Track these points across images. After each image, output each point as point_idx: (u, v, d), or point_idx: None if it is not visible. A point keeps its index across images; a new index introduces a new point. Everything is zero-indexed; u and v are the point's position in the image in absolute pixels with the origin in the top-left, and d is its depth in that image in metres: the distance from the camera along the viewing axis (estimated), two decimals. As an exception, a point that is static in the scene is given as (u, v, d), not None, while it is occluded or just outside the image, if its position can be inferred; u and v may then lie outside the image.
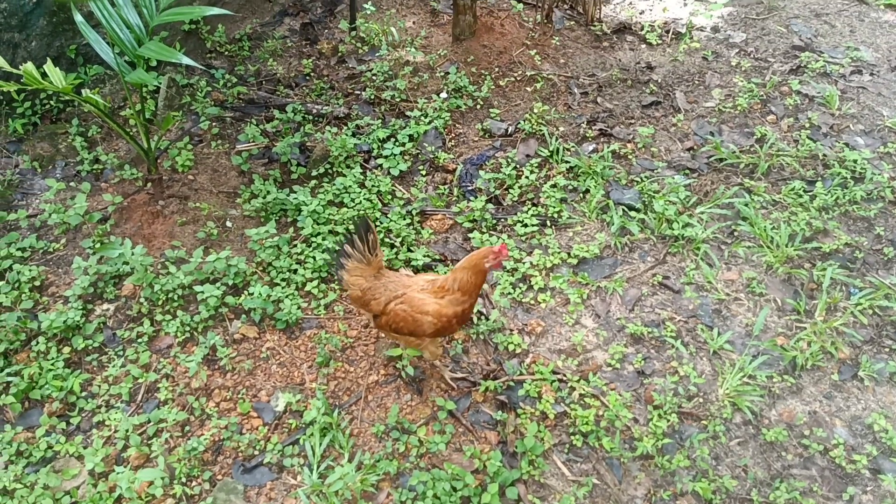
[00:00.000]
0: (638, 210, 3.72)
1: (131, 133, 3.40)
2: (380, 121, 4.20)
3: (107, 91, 4.09)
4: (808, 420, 2.88)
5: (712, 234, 3.60)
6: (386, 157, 3.99)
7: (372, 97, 4.38)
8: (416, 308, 2.60)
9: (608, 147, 4.07)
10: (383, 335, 3.02)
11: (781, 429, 2.82)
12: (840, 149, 4.02)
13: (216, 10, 3.05)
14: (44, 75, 2.97)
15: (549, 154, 4.03)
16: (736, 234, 3.63)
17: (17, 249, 3.31)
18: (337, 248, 2.78)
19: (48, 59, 3.00)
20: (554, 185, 3.84)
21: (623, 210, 3.72)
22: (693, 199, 3.77)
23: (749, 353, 3.09)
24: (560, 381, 2.97)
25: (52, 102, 3.97)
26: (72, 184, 3.66)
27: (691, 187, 3.86)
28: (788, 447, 2.80)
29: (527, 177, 3.89)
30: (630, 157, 4.05)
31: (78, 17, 3.19)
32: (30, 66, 2.92)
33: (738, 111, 4.34)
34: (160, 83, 4.10)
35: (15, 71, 2.90)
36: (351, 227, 2.71)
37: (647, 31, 4.99)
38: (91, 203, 3.54)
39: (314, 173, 3.86)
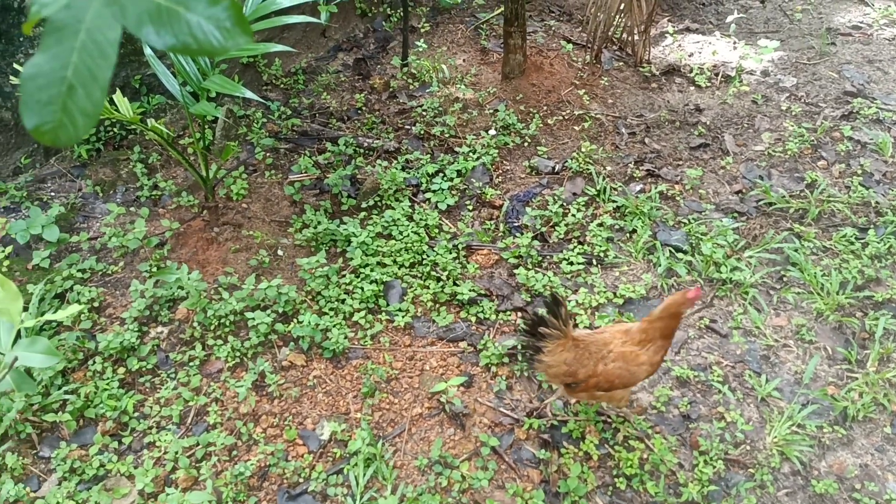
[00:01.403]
0: (685, 252, 3.71)
1: (190, 161, 3.51)
2: (429, 156, 4.28)
3: (167, 120, 4.24)
4: (860, 473, 2.82)
5: (761, 278, 3.57)
6: (434, 191, 4.05)
7: (422, 132, 4.46)
8: (632, 362, 2.60)
9: (655, 188, 4.08)
10: (573, 401, 2.98)
11: (831, 481, 2.76)
12: (893, 196, 3.97)
13: (278, 47, 3.16)
14: (112, 104, 3.11)
15: (595, 193, 4.05)
16: (785, 279, 3.59)
17: (78, 271, 3.43)
18: (523, 338, 2.75)
19: (116, 88, 3.13)
20: (600, 224, 3.86)
21: (670, 251, 3.71)
22: (741, 242, 3.75)
23: (798, 401, 3.04)
24: (604, 421, 2.96)
25: (115, 130, 4.12)
26: (131, 209, 3.79)
27: (740, 231, 3.84)
28: (839, 500, 2.74)
29: (573, 215, 3.91)
30: (678, 198, 4.05)
31: (147, 51, 3.33)
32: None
33: (787, 156, 4.32)
34: (220, 114, 4.24)
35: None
36: (534, 312, 2.67)
37: (696, 74, 5.01)
38: (149, 228, 3.66)
39: (364, 205, 3.93)
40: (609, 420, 2.96)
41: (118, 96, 3.17)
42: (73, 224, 3.72)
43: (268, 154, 4.21)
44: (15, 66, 3.34)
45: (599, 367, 2.63)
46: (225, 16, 0.76)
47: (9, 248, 3.41)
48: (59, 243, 3.53)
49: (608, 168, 4.27)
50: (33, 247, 3.50)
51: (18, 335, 1.51)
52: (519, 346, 3.16)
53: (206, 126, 4.14)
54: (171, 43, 0.76)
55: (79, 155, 3.98)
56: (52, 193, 3.81)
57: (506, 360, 3.20)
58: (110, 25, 0.75)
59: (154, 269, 3.42)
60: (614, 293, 3.50)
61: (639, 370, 2.62)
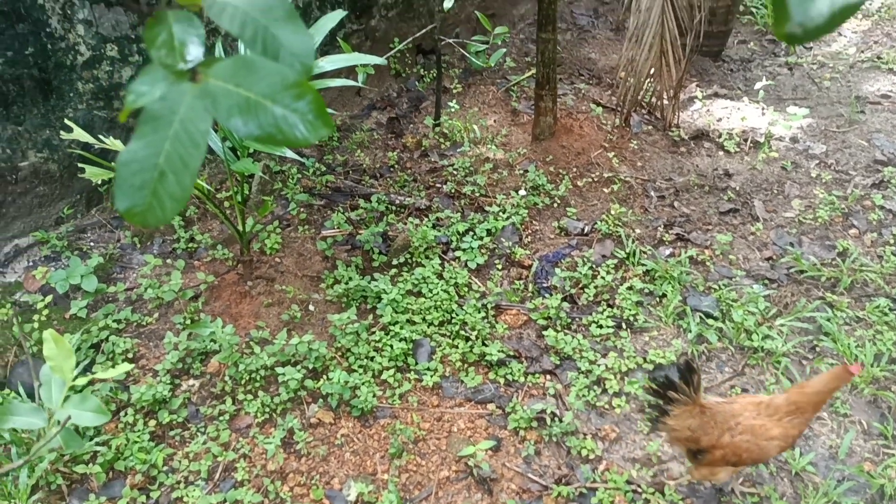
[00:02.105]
0: (716, 318, 3.69)
1: (227, 215, 3.59)
2: (459, 214, 4.33)
3: (206, 174, 4.35)
4: (899, 554, 2.74)
5: (793, 347, 3.53)
6: (464, 249, 4.09)
7: (453, 191, 4.52)
8: (761, 435, 2.56)
9: (685, 252, 4.08)
10: (693, 476, 2.89)
11: (870, 562, 2.69)
12: (927, 267, 3.95)
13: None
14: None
15: (625, 256, 4.07)
16: (818, 349, 3.55)
17: (114, 321, 3.48)
18: (650, 398, 2.73)
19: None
20: (630, 288, 3.86)
21: (700, 317, 3.70)
22: (773, 310, 3.73)
23: (833, 477, 2.98)
24: (634, 491, 2.91)
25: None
26: (168, 260, 3.86)
27: (771, 298, 3.82)
28: (878, 583, 2.65)
29: (602, 277, 3.92)
30: (708, 263, 4.05)
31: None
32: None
33: (818, 223, 4.31)
34: (258, 170, 4.34)
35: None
36: (665, 376, 2.67)
37: (725, 139, 5.06)
38: (184, 280, 3.71)
39: (395, 262, 3.97)
40: (639, 490, 2.91)
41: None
42: (111, 274, 3.79)
43: (302, 209, 4.29)
44: (66, 121, 3.46)
45: (725, 438, 2.57)
46: (308, 109, 0.81)
47: (48, 298, 3.48)
48: (97, 293, 3.59)
49: (637, 231, 4.29)
50: (71, 296, 3.56)
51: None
52: (645, 405, 3.12)
53: (244, 181, 4.25)
54: (256, 133, 0.80)
55: (118, 208, 4.08)
56: (92, 244, 3.90)
57: (534, 424, 3.18)
58: (202, 117, 0.80)
59: (188, 322, 3.46)
60: (644, 358, 3.48)
61: (769, 445, 2.55)
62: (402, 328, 3.53)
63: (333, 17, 3.40)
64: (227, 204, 4.14)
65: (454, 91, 5.49)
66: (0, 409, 1.55)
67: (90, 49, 3.63)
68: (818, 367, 3.45)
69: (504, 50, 4.96)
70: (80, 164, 3.17)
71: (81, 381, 1.55)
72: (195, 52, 0.83)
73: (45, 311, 3.44)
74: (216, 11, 0.84)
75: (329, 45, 4.66)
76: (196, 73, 0.82)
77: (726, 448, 2.58)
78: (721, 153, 5.00)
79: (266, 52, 0.84)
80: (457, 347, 3.51)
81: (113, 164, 3.16)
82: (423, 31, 5.10)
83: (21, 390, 3.10)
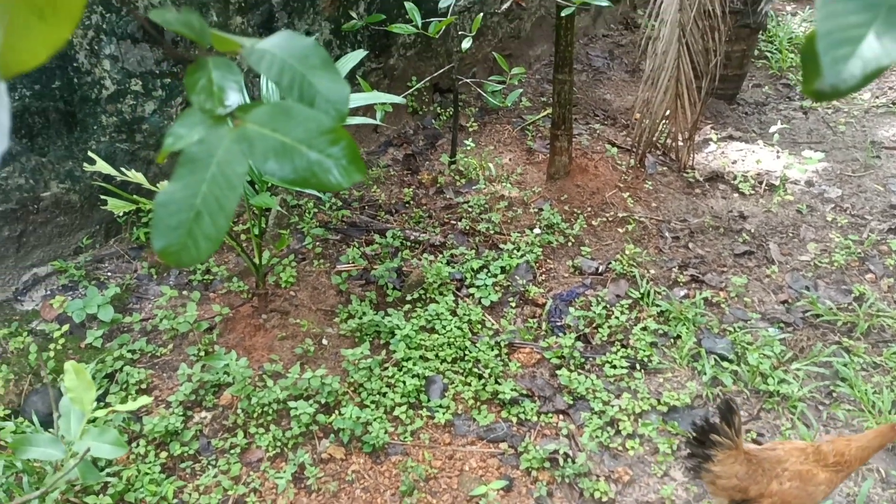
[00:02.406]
0: (731, 361, 3.66)
1: (243, 247, 3.62)
2: (474, 251, 4.35)
3: (223, 207, 4.39)
4: None
5: (809, 392, 3.50)
6: (478, 287, 4.09)
7: (467, 228, 4.55)
8: (809, 482, 2.52)
9: (700, 294, 4.07)
10: None
11: None
12: (945, 314, 3.91)
13: (339, 145, 3.29)
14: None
15: (639, 296, 4.06)
16: (835, 395, 3.52)
17: (128, 351, 3.50)
18: (691, 443, 2.65)
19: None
20: (644, 329, 3.85)
21: (715, 359, 3.67)
22: (788, 354, 3.70)
23: (852, 526, 2.93)
24: (648, 536, 2.87)
25: (173, 214, 4.27)
26: (184, 292, 3.88)
27: (786, 342, 3.79)
28: None
29: (617, 317, 3.91)
30: (723, 305, 4.04)
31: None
32: (165, 184, 3.20)
33: (834, 267, 4.30)
34: (276, 205, 4.39)
35: (152, 187, 3.18)
36: (704, 418, 2.61)
37: (740, 181, 5.07)
38: (199, 311, 3.74)
39: (409, 298, 3.98)
40: (653, 535, 2.87)
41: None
42: (127, 304, 3.82)
43: (317, 243, 4.32)
44: (89, 153, 3.52)
45: (774, 486, 2.52)
46: (342, 154, 0.83)
47: (65, 327, 3.51)
48: (113, 323, 3.62)
49: (652, 271, 4.29)
50: (87, 326, 3.59)
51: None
52: (686, 453, 3.07)
53: (261, 215, 4.29)
54: (290, 177, 0.83)
55: (137, 237, 4.13)
56: (109, 274, 3.94)
57: (547, 464, 3.15)
58: (239, 160, 0.82)
59: (202, 354, 3.47)
60: (658, 400, 3.45)
61: (816, 491, 2.50)
62: (415, 364, 3.52)
63: (355, 57, 3.47)
64: (243, 237, 4.17)
65: (470, 129, 5.55)
66: (19, 439, 1.57)
67: (115, 83, 3.71)
68: (835, 413, 3.41)
69: (521, 90, 5.02)
70: (101, 196, 3.22)
71: (100, 412, 1.56)
72: (233, 98, 0.85)
73: (62, 340, 3.47)
74: (255, 59, 0.87)
75: (349, 83, 4.74)
76: (234, 117, 0.85)
77: (775, 496, 2.52)
78: (736, 195, 5.01)
79: (302, 98, 0.86)
80: (469, 385, 3.50)
81: (134, 196, 3.21)
82: (442, 70, 5.18)
83: (35, 419, 3.11)
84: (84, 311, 3.56)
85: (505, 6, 5.59)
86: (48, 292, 3.76)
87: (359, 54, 3.52)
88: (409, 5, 4.15)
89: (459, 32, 5.06)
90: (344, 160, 0.83)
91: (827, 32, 0.60)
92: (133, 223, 4.20)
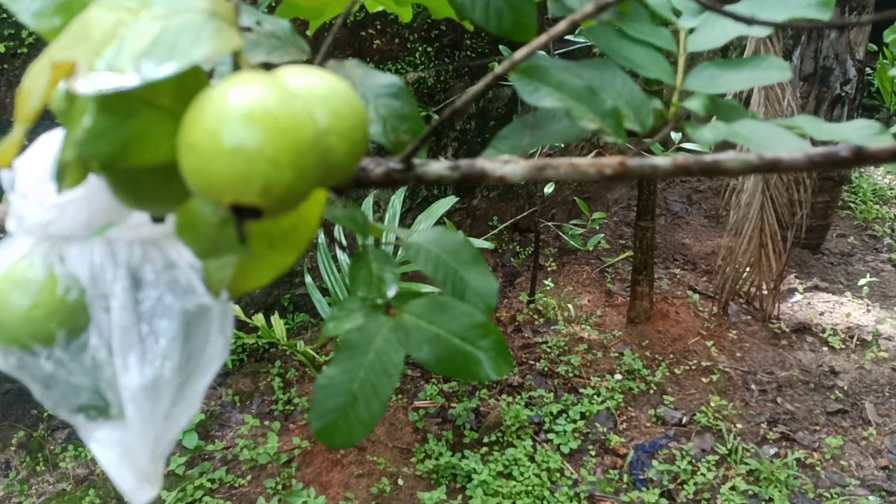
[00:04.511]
0: (829, 531, 3.43)
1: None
2: (552, 394, 4.29)
3: (308, 337, 4.51)
4: None
5: (920, 573, 3.22)
6: (557, 432, 4.01)
7: (545, 369, 4.51)
8: None
9: (791, 454, 3.87)
10: None
11: None
12: None
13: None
14: (269, 325, 3.39)
15: (726, 452, 3.89)
16: (950, 578, 3.22)
17: (208, 480, 3.53)
18: None
19: (274, 309, 3.42)
20: (733, 489, 3.66)
21: (812, 528, 3.44)
22: (894, 527, 3.44)
23: None
24: None
25: (259, 342, 4.41)
26: (265, 421, 3.94)
27: (890, 513, 3.54)
28: None
29: (703, 474, 3.74)
30: (817, 467, 3.82)
31: (307, 279, 3.65)
32: (260, 317, 3.35)
33: (938, 432, 4.05)
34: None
35: (247, 320, 3.32)
36: None
37: (829, 335, 4.91)
38: (279, 443, 3.76)
39: (486, 440, 3.92)
40: None
41: (276, 318, 3.45)
42: (210, 431, 3.89)
43: (396, 378, 4.34)
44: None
45: None
46: (492, 347, 0.88)
47: (151, 451, 3.58)
48: (196, 450, 3.68)
49: (738, 426, 4.12)
50: (172, 451, 3.65)
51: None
52: None
53: (344, 347, 4.39)
54: (443, 366, 0.87)
55: (224, 364, 4.25)
56: (196, 399, 4.04)
57: None
58: (396, 349, 0.87)
59: (280, 488, 3.47)
60: (751, 570, 3.23)
61: None
62: (491, 513, 3.43)
63: (446, 203, 3.64)
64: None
65: (549, 269, 5.61)
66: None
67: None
68: None
69: (602, 235, 5.10)
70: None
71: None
72: (391, 288, 0.92)
73: (146, 465, 3.52)
74: (413, 252, 0.95)
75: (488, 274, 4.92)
76: (390, 307, 0.92)
77: None
78: (825, 349, 4.85)
79: (454, 292, 0.93)
80: (548, 539, 3.37)
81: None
82: (525, 213, 5.34)
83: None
84: (170, 437, 3.63)
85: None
86: (137, 415, 3.86)
87: (450, 200, 3.68)
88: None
89: (542, 177, 5.24)
90: (493, 352, 0.88)
91: None
92: (222, 350, 4.33)
